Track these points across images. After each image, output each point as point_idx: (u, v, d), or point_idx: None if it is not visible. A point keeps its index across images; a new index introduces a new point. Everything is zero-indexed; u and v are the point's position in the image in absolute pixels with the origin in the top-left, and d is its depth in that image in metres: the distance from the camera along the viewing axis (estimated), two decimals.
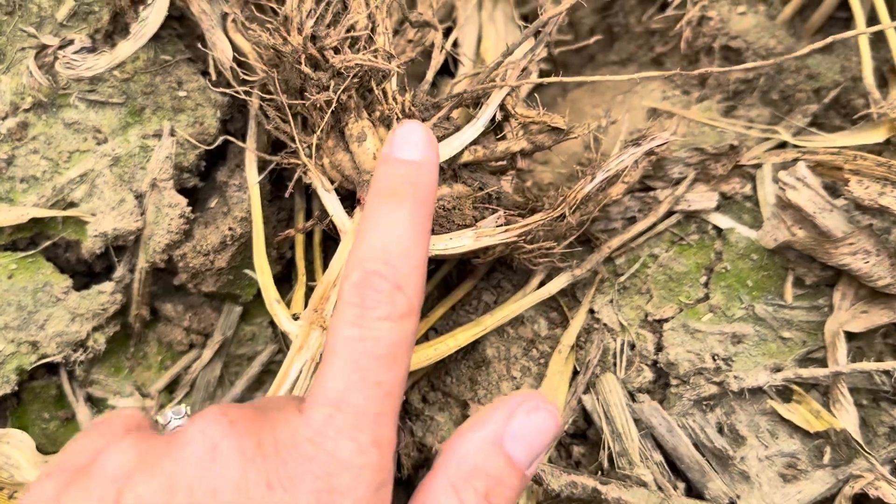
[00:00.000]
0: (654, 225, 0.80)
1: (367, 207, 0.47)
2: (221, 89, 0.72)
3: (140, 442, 0.40)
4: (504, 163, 0.76)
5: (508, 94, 0.72)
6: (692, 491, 0.70)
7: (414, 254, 0.45)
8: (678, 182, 0.82)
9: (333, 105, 0.64)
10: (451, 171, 0.71)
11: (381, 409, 0.40)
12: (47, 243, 0.79)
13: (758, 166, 0.82)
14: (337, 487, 0.37)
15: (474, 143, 0.71)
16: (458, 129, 0.71)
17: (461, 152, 0.70)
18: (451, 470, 0.43)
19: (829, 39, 0.65)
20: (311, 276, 0.78)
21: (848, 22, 0.89)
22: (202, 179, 0.80)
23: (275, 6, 0.72)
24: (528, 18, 1.07)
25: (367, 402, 0.40)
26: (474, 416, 0.46)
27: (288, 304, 0.71)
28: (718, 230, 0.79)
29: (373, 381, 0.40)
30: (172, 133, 0.75)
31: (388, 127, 0.69)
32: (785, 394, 0.72)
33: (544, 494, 0.71)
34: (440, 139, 0.70)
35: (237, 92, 0.70)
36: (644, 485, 0.68)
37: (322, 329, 0.65)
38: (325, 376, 0.41)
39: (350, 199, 0.71)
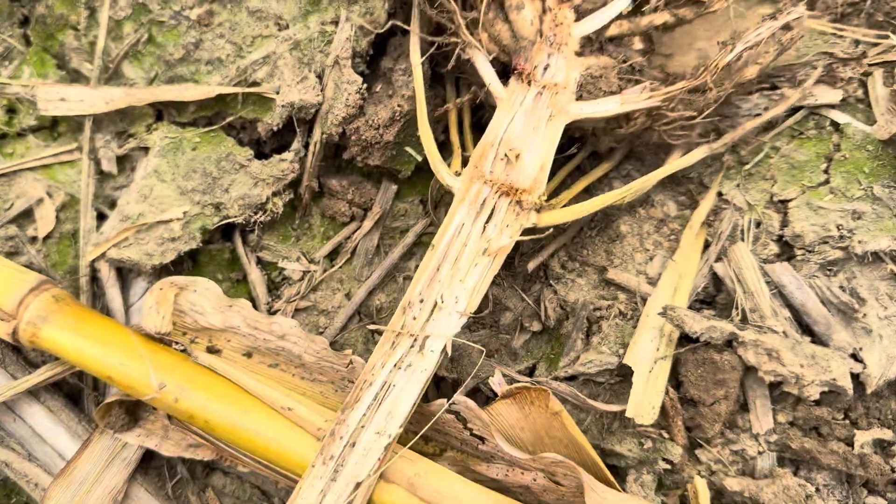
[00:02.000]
0: (785, 118, 0.87)
1: None
2: None
3: None
4: (643, 46, 0.84)
5: None
6: (817, 343, 0.77)
7: None
8: (804, 83, 0.89)
9: None
10: (597, 43, 0.79)
11: None
12: (226, 121, 0.88)
13: (868, 74, 0.89)
14: None
15: (619, 17, 0.80)
16: (605, 3, 0.79)
17: (608, 25, 0.79)
18: None
19: None
20: (463, 150, 0.86)
21: None
22: (368, 67, 0.89)
23: None
24: None
25: None
26: None
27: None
28: (836, 125, 0.86)
29: None
30: (349, 19, 0.84)
31: (543, 2, 0.78)
32: None
33: (681, 341, 0.78)
34: (589, 12, 0.78)
35: None
36: (776, 334, 0.76)
37: (482, 182, 0.73)
38: None
39: (504, 72, 0.80)
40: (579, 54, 0.78)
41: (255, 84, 0.86)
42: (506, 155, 0.74)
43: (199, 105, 0.88)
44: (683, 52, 1.06)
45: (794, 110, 0.88)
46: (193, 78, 0.88)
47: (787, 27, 0.80)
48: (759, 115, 0.89)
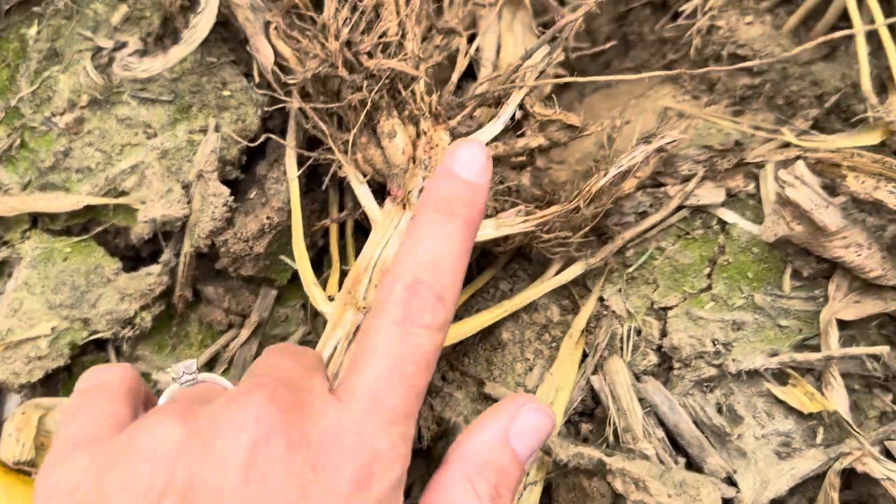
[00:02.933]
0: (665, 219, 0.85)
1: (422, 216, 0.50)
2: (264, 91, 0.78)
3: (187, 419, 0.42)
4: (523, 158, 0.82)
5: (527, 95, 0.78)
6: (692, 465, 0.75)
7: (458, 271, 0.49)
8: (687, 179, 0.87)
9: (368, 105, 0.70)
10: None
11: (411, 410, 0.46)
12: (99, 229, 0.86)
13: (761, 166, 0.87)
14: (373, 473, 0.42)
15: (495, 139, 0.77)
16: (480, 126, 0.77)
17: None
18: (464, 464, 0.49)
19: (821, 39, 0.71)
20: (343, 262, 0.84)
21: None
22: (243, 172, 0.87)
23: (314, 15, 0.78)
24: (546, 26, 1.13)
25: (401, 402, 0.45)
26: (482, 415, 0.52)
27: (323, 287, 0.78)
28: (722, 225, 0.84)
29: (409, 384, 0.45)
30: (217, 129, 0.82)
31: (417, 125, 0.75)
32: (781, 378, 0.77)
33: (553, 465, 0.76)
34: (463, 136, 0.76)
35: (278, 95, 0.77)
36: (647, 458, 0.73)
37: (356, 309, 0.71)
38: (367, 371, 0.45)
39: (381, 192, 0.77)
40: None
41: (123, 194, 0.84)
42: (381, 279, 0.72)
43: (70, 213, 0.86)
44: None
45: (679, 208, 0.86)
46: (65, 186, 0.86)
47: (661, 150, 0.78)
48: (643, 212, 0.87)
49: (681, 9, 1.00)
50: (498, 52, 1.08)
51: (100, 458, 0.42)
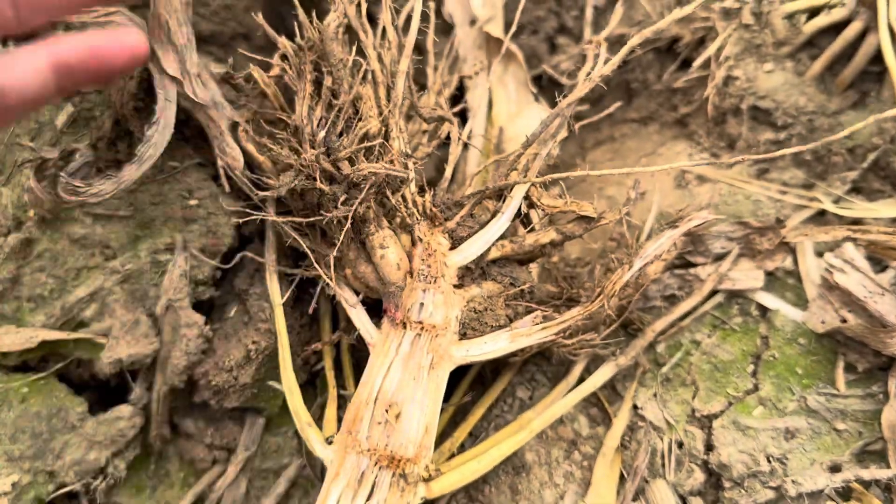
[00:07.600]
0: (698, 306, 0.76)
1: None
2: (239, 205, 0.68)
3: None
4: (533, 253, 0.73)
5: (532, 185, 0.69)
6: None
7: None
8: (720, 258, 0.78)
9: (350, 219, 0.60)
10: (479, 269, 0.67)
11: None
12: (60, 365, 0.75)
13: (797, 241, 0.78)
14: None
15: (501, 237, 0.68)
16: (482, 225, 0.67)
17: (488, 249, 0.67)
18: None
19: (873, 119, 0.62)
20: (340, 383, 0.74)
21: (881, 75, 0.85)
22: (218, 287, 0.76)
23: (284, 116, 0.68)
24: (539, 80, 1.03)
25: None
26: None
27: (319, 421, 0.68)
28: (763, 311, 0.75)
29: None
30: (185, 247, 0.72)
31: (411, 233, 0.65)
32: (844, 493, 0.68)
33: None
34: (464, 239, 0.66)
35: (252, 197, 0.67)
36: None
37: (357, 454, 0.61)
38: None
39: (377, 308, 0.67)
40: (459, 286, 0.66)
41: (82, 325, 0.74)
42: (385, 413, 0.62)
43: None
44: (593, 200, 0.95)
45: (713, 293, 0.77)
46: (16, 316, 0.75)
47: (689, 233, 0.69)
48: (671, 295, 0.78)
49: (694, 60, 0.90)
50: (489, 110, 0.98)
51: None
